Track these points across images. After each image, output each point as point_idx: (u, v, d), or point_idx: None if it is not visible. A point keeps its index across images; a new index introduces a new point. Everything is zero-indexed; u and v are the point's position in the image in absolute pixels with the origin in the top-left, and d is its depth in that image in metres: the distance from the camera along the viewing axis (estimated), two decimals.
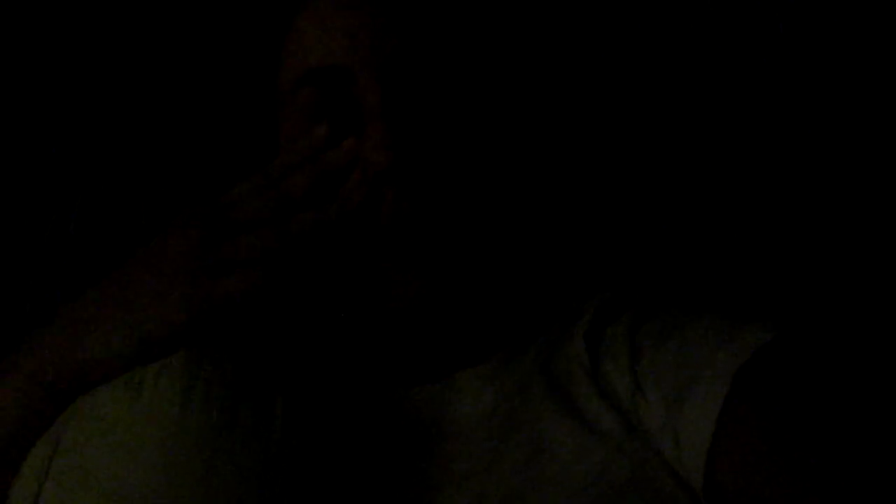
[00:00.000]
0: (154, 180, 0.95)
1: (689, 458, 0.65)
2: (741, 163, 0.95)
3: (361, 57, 0.69)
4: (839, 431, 0.65)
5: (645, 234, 0.95)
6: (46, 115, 0.96)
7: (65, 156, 0.95)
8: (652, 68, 0.97)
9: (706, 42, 0.97)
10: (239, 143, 0.78)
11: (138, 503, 0.58)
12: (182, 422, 0.60)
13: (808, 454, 0.63)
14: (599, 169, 0.96)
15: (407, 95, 0.69)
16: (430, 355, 0.74)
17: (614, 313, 0.75)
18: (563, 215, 0.93)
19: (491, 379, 0.73)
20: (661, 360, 0.69)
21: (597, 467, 0.66)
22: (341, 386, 0.73)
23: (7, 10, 0.96)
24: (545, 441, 0.68)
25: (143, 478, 0.59)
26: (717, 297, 0.90)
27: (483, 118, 0.73)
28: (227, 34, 0.87)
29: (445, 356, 0.74)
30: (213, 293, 0.63)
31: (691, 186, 0.95)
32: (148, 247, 0.66)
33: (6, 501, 0.63)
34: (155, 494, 0.59)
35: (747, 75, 0.95)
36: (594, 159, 0.96)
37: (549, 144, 0.90)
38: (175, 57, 0.95)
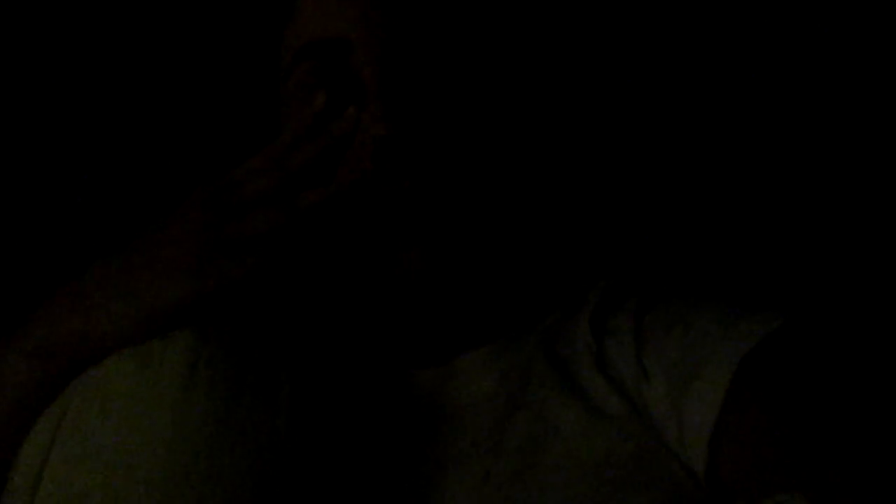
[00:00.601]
0: (160, 160, 0.94)
1: (692, 442, 0.65)
2: (745, 149, 0.95)
3: (360, 29, 0.69)
4: (842, 419, 0.64)
5: (649, 220, 0.95)
6: (53, 96, 0.96)
7: (72, 135, 0.95)
8: (662, 53, 0.97)
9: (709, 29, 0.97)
10: (243, 121, 0.78)
11: (141, 477, 0.58)
12: (186, 398, 0.60)
13: (810, 441, 0.63)
14: (603, 154, 0.96)
15: (406, 69, 0.69)
16: (431, 338, 0.74)
17: (619, 299, 0.75)
18: (567, 199, 0.92)
19: (492, 362, 0.73)
20: (666, 346, 0.69)
21: (602, 449, 0.66)
22: (345, 367, 0.73)
23: None
24: (550, 422, 0.68)
25: (147, 452, 0.59)
26: (721, 284, 0.89)
27: (483, 96, 0.72)
28: (230, 13, 0.87)
29: (447, 340, 0.74)
30: (218, 271, 0.63)
31: (696, 173, 0.95)
32: (154, 226, 0.66)
33: (10, 473, 0.63)
34: (158, 469, 0.58)
35: (754, 61, 0.95)
36: (597, 144, 0.96)
37: (553, 126, 0.89)
38: (179, 36, 0.95)
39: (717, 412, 0.65)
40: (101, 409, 0.61)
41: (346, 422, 0.69)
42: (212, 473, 0.59)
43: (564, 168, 0.92)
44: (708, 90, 0.97)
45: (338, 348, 0.75)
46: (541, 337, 0.74)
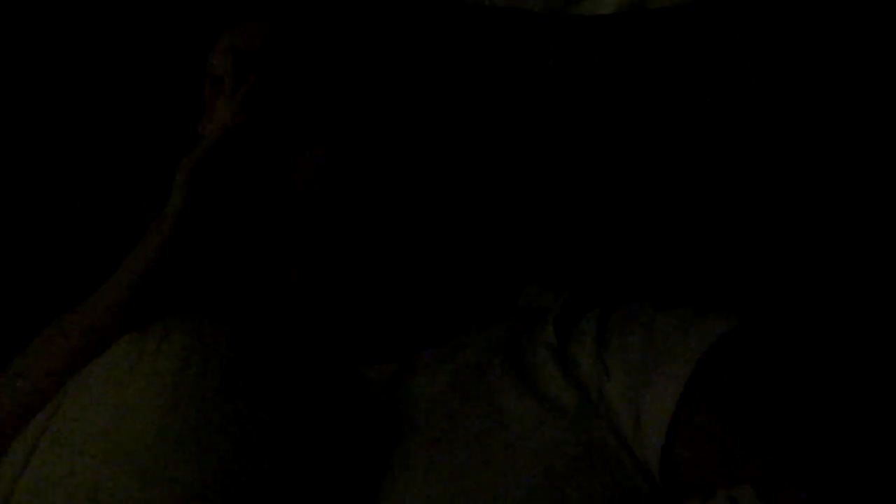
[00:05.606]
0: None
1: (649, 437, 0.67)
2: (701, 161, 0.93)
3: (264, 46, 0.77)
4: (791, 414, 0.67)
5: (611, 228, 0.94)
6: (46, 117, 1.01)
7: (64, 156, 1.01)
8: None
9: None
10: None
11: (127, 462, 0.61)
12: (178, 386, 0.64)
13: (761, 435, 0.66)
14: (560, 161, 0.96)
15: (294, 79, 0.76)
16: (386, 336, 0.78)
17: (583, 307, 0.77)
18: (499, 205, 0.93)
19: (447, 359, 0.76)
20: (627, 345, 0.72)
21: (551, 440, 0.68)
22: (317, 360, 0.76)
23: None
24: (501, 415, 0.70)
25: (134, 440, 0.62)
26: (681, 289, 0.89)
27: (377, 107, 0.78)
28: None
29: (402, 337, 0.78)
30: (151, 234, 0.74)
31: (656, 178, 0.94)
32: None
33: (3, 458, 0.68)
34: (149, 455, 0.62)
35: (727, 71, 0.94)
36: (557, 150, 0.96)
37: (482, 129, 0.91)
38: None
39: (674, 408, 0.67)
40: (97, 399, 0.66)
41: (311, 413, 0.71)
42: (202, 459, 0.63)
43: (499, 174, 0.93)
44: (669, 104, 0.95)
45: (306, 340, 0.78)
46: (499, 336, 0.77)
